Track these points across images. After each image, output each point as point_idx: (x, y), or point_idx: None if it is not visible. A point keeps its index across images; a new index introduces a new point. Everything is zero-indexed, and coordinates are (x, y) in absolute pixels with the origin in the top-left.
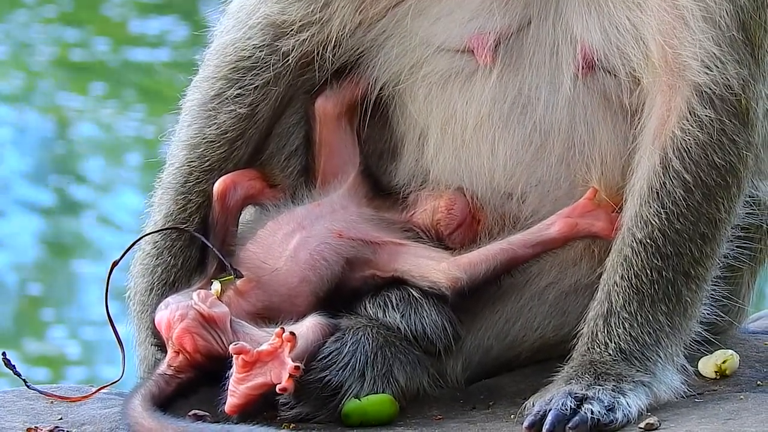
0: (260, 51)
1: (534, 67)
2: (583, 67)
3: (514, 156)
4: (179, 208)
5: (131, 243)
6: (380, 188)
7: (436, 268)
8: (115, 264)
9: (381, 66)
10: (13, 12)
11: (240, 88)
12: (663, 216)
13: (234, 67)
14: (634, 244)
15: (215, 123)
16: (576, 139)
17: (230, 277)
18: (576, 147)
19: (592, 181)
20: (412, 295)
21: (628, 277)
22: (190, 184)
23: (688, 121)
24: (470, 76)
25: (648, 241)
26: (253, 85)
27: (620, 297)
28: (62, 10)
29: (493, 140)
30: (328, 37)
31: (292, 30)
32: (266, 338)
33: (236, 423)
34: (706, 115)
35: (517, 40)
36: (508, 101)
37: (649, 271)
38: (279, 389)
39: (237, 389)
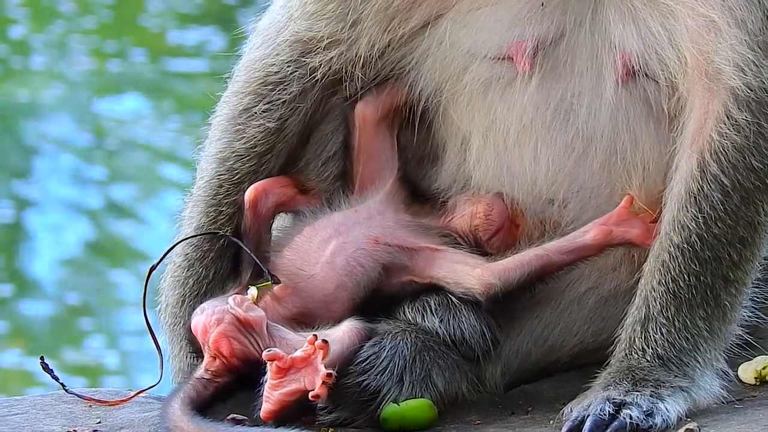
0: (288, 66)
1: (576, 73)
2: (623, 74)
3: (557, 162)
4: (210, 221)
5: (168, 248)
6: (418, 194)
7: (470, 274)
8: (153, 269)
9: (421, 75)
10: (52, 23)
11: (268, 103)
12: (700, 220)
13: (262, 82)
14: (672, 249)
15: (244, 137)
16: (618, 146)
17: (267, 283)
18: (618, 153)
19: (633, 188)
20: (451, 300)
21: (665, 282)
22: (220, 196)
23: (725, 124)
24: (510, 83)
25: (685, 245)
26: (281, 100)
27: (657, 302)
28: (101, 21)
29: (535, 146)
30: (356, 56)
31: (319, 47)
32: (302, 343)
33: (275, 427)
34: (743, 119)
35: (555, 47)
36: (551, 108)
37: (686, 276)
38: (312, 396)
39: (272, 395)
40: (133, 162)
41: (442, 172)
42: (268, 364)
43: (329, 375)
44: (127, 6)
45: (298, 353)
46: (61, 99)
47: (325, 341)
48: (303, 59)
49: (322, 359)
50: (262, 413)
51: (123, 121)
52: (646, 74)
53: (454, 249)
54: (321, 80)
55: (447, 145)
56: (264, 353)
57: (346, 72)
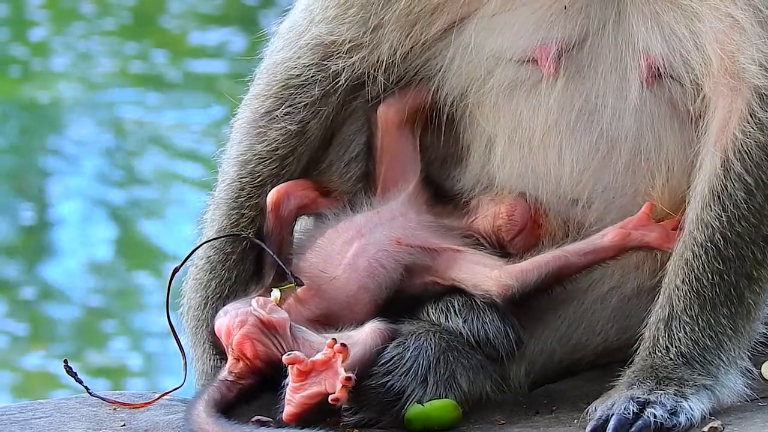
0: (309, 69)
1: (601, 76)
2: (648, 76)
3: (581, 162)
4: (232, 223)
5: (191, 250)
6: (441, 194)
7: (487, 275)
8: (176, 270)
9: (446, 79)
10: (73, 24)
11: (290, 106)
12: (724, 219)
13: (284, 85)
14: (695, 248)
15: (265, 140)
16: (643, 147)
17: (291, 285)
18: (642, 154)
19: (656, 188)
20: (475, 300)
21: (688, 280)
22: (242, 199)
23: (748, 123)
24: (535, 85)
25: (709, 244)
26: (303, 103)
27: (681, 301)
28: (121, 23)
29: (560, 147)
30: (378, 60)
31: (341, 51)
32: (325, 345)
33: (301, 428)
34: (767, 118)
35: (580, 50)
36: (575, 109)
37: (710, 275)
38: (331, 399)
39: (293, 398)
40: (154, 163)
41: (466, 172)
42: (289, 368)
43: (348, 378)
44: (148, 7)
45: (319, 356)
46: (81, 100)
47: (344, 345)
48: (324, 63)
49: (342, 362)
50: (284, 416)
51: (144, 122)
52: (671, 76)
53: (474, 250)
54: (343, 84)
55: (472, 146)
56: (284, 357)
57: (368, 76)
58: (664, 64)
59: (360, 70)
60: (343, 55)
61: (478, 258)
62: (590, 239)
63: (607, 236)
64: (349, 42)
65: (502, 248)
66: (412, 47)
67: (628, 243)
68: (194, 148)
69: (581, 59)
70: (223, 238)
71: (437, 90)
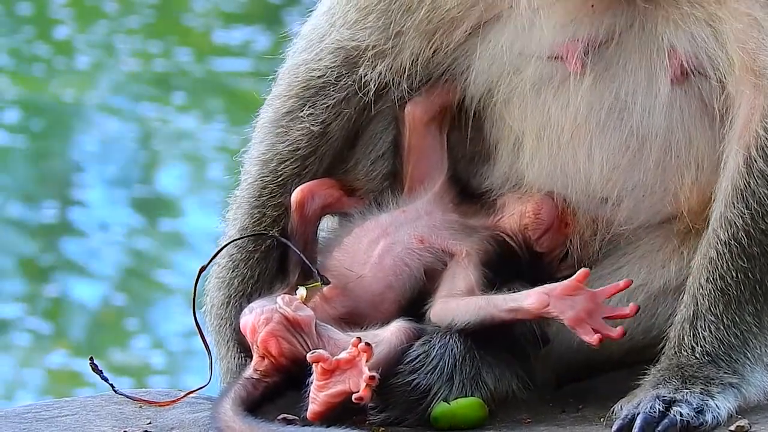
0: (332, 72)
1: (630, 73)
2: (676, 74)
3: (611, 160)
4: (254, 222)
5: (218, 249)
6: (468, 192)
7: (434, 299)
8: (202, 269)
9: (472, 78)
10: (96, 23)
11: (312, 107)
12: (747, 216)
13: (305, 86)
14: (719, 246)
15: (287, 140)
16: (673, 144)
17: (317, 283)
18: (673, 152)
19: (685, 187)
20: None
21: (713, 279)
22: (264, 198)
23: None
24: (563, 82)
25: (733, 242)
26: (325, 105)
27: (706, 300)
28: (145, 21)
29: (589, 145)
30: (401, 67)
31: (364, 57)
32: (350, 343)
33: (326, 427)
34: None
35: (607, 48)
36: (605, 107)
37: (734, 273)
38: (355, 398)
39: (317, 396)
40: (178, 162)
41: (494, 170)
42: (313, 366)
43: (372, 378)
44: (172, 5)
45: (343, 355)
46: (106, 99)
47: (368, 344)
48: (346, 66)
49: (366, 361)
50: (309, 414)
51: (168, 120)
52: (699, 72)
53: (466, 264)
54: (371, 89)
55: (499, 144)
56: (308, 355)
57: (393, 81)
58: (690, 62)
59: (386, 79)
60: (368, 62)
61: (455, 274)
62: (514, 296)
63: (529, 299)
64: (372, 48)
65: (529, 247)
66: (434, 52)
67: (546, 313)
68: (217, 145)
69: (609, 57)
70: (252, 233)
71: (465, 89)
